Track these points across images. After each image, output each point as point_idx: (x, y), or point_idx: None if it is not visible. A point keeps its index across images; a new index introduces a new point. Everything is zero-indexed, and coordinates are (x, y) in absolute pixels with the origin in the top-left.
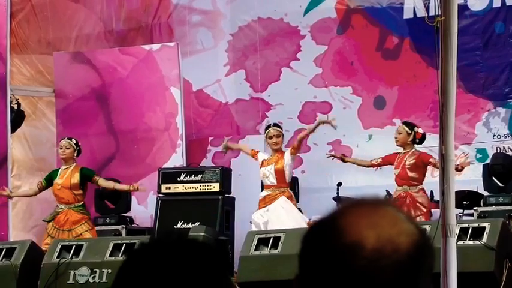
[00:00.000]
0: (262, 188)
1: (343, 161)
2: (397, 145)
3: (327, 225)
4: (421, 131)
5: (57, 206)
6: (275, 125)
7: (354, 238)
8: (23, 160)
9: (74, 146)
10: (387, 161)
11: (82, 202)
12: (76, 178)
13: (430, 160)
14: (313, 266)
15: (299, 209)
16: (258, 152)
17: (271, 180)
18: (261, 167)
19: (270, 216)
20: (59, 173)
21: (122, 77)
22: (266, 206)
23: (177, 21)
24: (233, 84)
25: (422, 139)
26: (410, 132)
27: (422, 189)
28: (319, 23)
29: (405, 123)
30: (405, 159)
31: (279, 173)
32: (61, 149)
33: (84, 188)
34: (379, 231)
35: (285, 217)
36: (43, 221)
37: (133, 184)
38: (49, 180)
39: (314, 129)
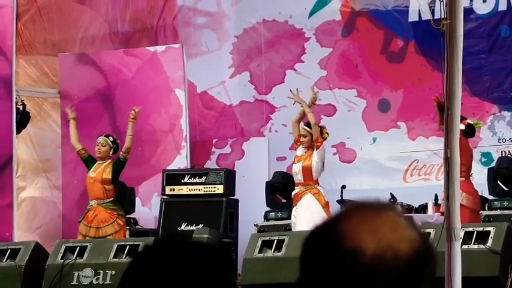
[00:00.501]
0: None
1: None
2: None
3: (328, 230)
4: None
5: (88, 203)
6: (306, 124)
7: (355, 243)
8: (28, 161)
9: (110, 143)
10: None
11: (112, 198)
12: (108, 173)
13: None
14: (314, 270)
15: (327, 202)
16: (298, 146)
17: (299, 177)
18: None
19: (298, 214)
20: (94, 166)
21: (126, 79)
22: (296, 204)
23: (182, 23)
24: (237, 86)
25: (468, 131)
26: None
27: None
28: (324, 25)
29: None
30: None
31: (306, 170)
32: (97, 146)
33: (116, 184)
34: (380, 237)
35: (309, 220)
36: (78, 222)
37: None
38: (86, 161)
39: (305, 111)
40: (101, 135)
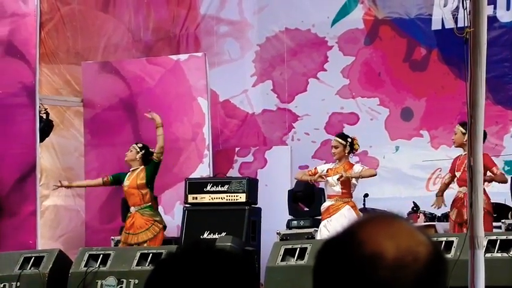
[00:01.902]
0: (324, 199)
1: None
2: (455, 146)
3: (345, 238)
4: None
5: (128, 211)
6: (338, 135)
7: (374, 249)
8: (51, 169)
9: (137, 149)
10: (452, 167)
11: (150, 203)
12: (142, 178)
13: (493, 169)
14: (331, 280)
15: None
16: (315, 168)
17: (336, 189)
18: (326, 177)
19: (333, 226)
20: (127, 175)
21: (149, 87)
22: (330, 216)
23: (204, 31)
24: (260, 95)
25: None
26: (465, 132)
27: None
28: (346, 33)
29: (461, 123)
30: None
31: (346, 183)
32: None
33: (151, 188)
34: (399, 242)
35: None
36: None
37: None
38: (117, 179)
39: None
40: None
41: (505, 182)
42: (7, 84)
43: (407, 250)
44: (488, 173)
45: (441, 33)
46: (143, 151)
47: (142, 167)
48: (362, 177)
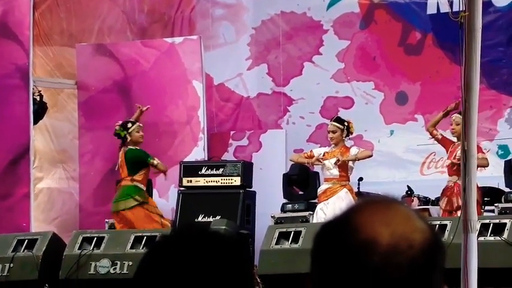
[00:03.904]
0: (319, 183)
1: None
2: (454, 136)
3: (340, 223)
4: None
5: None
6: (334, 119)
7: (369, 235)
8: (45, 152)
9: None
10: (443, 141)
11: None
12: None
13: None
14: (327, 264)
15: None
16: (311, 151)
17: (334, 173)
18: (323, 160)
19: (330, 209)
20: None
21: (144, 70)
22: (327, 199)
23: (199, 14)
24: (255, 78)
25: None
26: None
27: None
28: (342, 17)
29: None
30: (457, 150)
31: (343, 166)
32: (142, 131)
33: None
34: (394, 228)
35: None
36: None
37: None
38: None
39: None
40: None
41: (485, 166)
42: (0, 65)
43: (401, 236)
44: None
45: (436, 17)
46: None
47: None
48: (359, 160)
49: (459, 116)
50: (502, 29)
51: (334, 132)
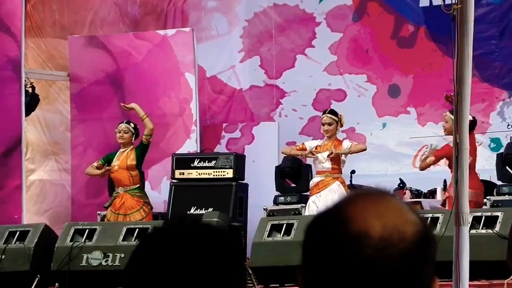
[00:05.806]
0: (311, 175)
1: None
2: (445, 134)
3: (332, 215)
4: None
5: (115, 190)
6: (329, 112)
7: (361, 227)
8: (37, 143)
9: (132, 130)
10: (439, 156)
11: (138, 185)
12: (133, 159)
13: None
14: (318, 256)
15: None
16: (303, 144)
17: (326, 165)
18: (316, 153)
19: (323, 201)
20: (116, 155)
21: (136, 62)
22: (319, 191)
23: (192, 6)
24: (248, 71)
25: (471, 125)
26: None
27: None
28: (334, 10)
29: (451, 111)
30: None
31: (336, 159)
32: (119, 133)
33: (140, 169)
34: (385, 221)
35: None
36: (104, 207)
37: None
38: (107, 161)
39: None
40: (122, 122)
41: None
42: None
43: (393, 229)
44: None
45: (429, 10)
46: (136, 131)
47: (132, 147)
48: (352, 153)
49: (448, 114)
50: (494, 22)
51: (330, 124)
